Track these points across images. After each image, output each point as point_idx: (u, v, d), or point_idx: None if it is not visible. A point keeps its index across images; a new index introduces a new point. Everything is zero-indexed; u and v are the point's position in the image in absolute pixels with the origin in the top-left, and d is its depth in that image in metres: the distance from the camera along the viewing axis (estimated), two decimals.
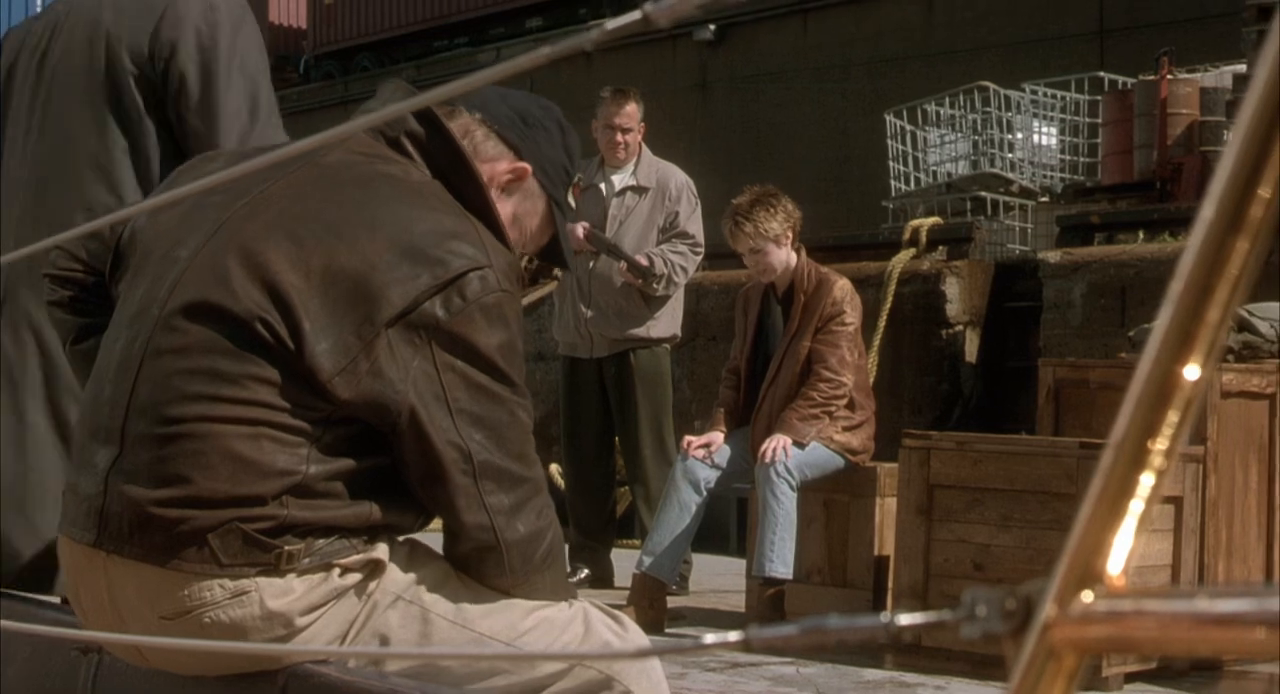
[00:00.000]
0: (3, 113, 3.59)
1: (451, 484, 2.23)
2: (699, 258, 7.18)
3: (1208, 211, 0.79)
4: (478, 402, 2.23)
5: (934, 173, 12.92)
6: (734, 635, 0.97)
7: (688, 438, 6.34)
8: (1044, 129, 12.65)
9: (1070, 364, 6.41)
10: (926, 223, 9.94)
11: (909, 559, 5.49)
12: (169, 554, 2.19)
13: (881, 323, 8.73)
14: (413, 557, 2.33)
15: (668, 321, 7.12)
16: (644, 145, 7.20)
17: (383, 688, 2.12)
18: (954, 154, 12.85)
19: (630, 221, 7.05)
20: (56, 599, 3.11)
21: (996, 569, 5.26)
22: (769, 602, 5.94)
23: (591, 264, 7.02)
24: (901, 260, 9.17)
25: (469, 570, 2.32)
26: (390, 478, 2.26)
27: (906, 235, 9.70)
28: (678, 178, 7.16)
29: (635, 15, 1.03)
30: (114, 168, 3.32)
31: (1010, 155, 12.49)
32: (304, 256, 2.22)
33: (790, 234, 6.26)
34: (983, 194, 12.06)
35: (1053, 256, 8.84)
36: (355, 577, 2.25)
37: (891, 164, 13.02)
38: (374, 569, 2.27)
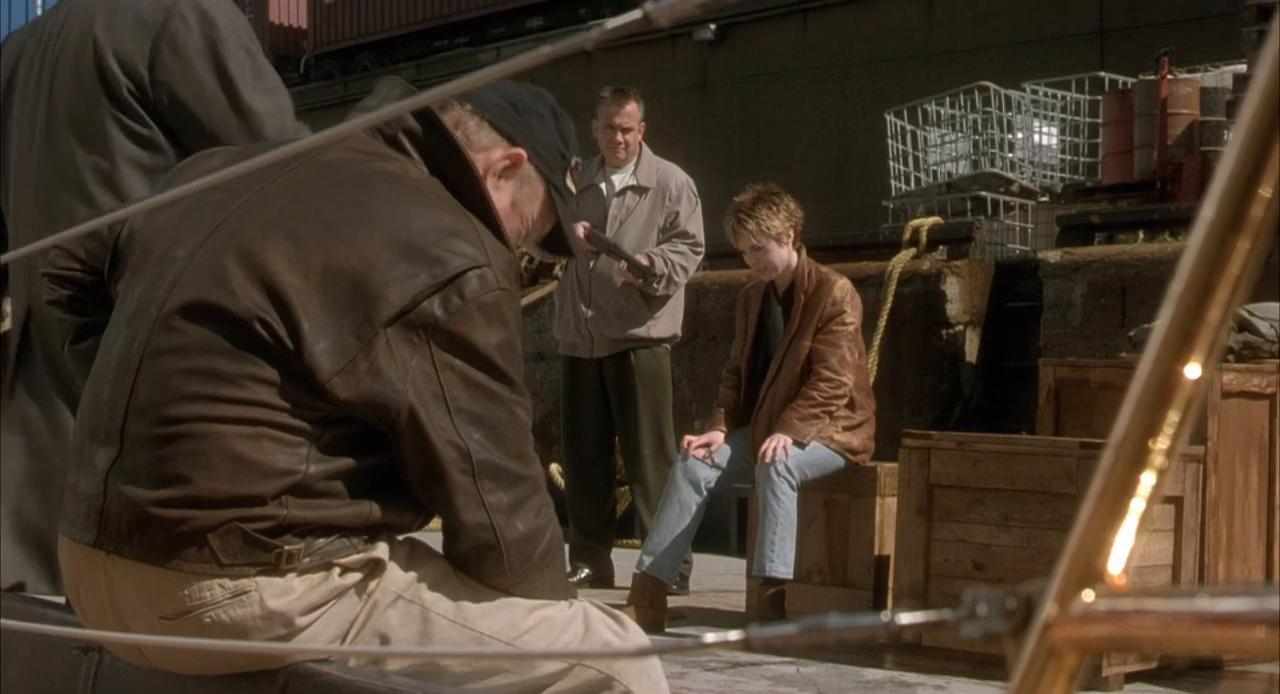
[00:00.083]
0: (4, 119, 3.61)
1: (450, 483, 2.23)
2: (699, 258, 7.18)
3: (1208, 211, 0.79)
4: (476, 400, 2.23)
5: (934, 172, 12.92)
6: (734, 635, 0.97)
7: (688, 438, 6.34)
8: (1044, 129, 12.65)
9: (1070, 364, 6.41)
10: (927, 222, 9.93)
11: (909, 559, 5.49)
12: (169, 554, 2.19)
13: (882, 323, 8.73)
14: (413, 556, 2.33)
15: (668, 321, 7.12)
16: (644, 145, 7.19)
17: (383, 687, 2.12)
18: (954, 154, 12.85)
19: (630, 221, 7.05)
20: (62, 599, 3.12)
21: (997, 569, 5.26)
22: (769, 601, 5.94)
23: (592, 264, 7.01)
24: (902, 260, 9.17)
25: (468, 569, 2.32)
26: (390, 477, 2.26)
27: (907, 235, 9.70)
28: (678, 177, 7.16)
29: (635, 15, 1.03)
30: (122, 182, 3.34)
31: (1010, 155, 12.49)
32: (303, 256, 2.22)
33: (792, 233, 6.26)
34: (983, 194, 12.05)
35: (1053, 256, 8.84)
36: (355, 576, 2.25)
37: (892, 164, 13.01)
38: (374, 568, 2.27)
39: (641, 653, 2.42)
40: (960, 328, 8.85)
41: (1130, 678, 5.21)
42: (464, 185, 2.40)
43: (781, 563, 5.92)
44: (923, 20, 16.44)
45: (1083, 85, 12.49)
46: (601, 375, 7.11)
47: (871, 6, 16.81)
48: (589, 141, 7.10)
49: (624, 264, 6.90)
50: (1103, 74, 12.59)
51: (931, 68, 15.52)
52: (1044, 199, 12.10)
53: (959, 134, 12.78)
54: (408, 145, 2.41)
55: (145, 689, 2.36)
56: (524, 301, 9.31)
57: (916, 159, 12.90)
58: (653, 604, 6.08)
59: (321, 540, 2.21)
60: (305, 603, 2.22)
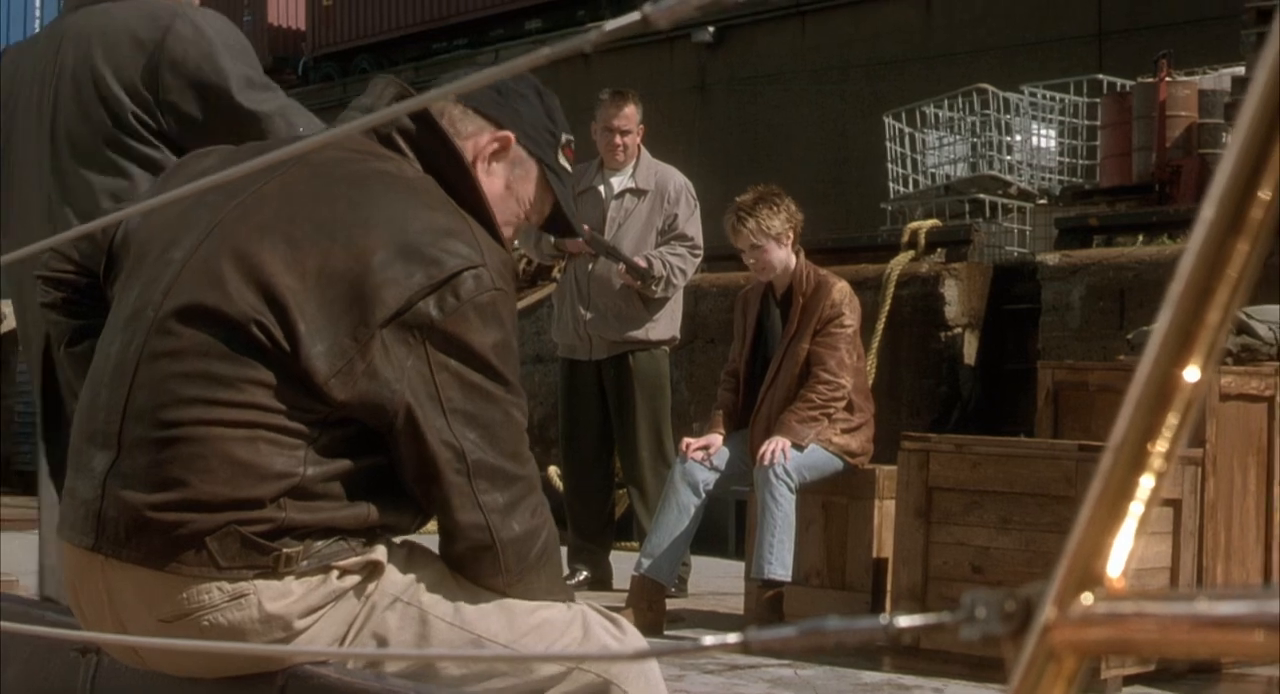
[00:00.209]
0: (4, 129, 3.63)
1: (446, 483, 2.23)
2: (698, 260, 7.18)
3: (1208, 213, 0.79)
4: (471, 401, 2.23)
5: (932, 175, 12.93)
6: (733, 637, 0.96)
7: (686, 440, 6.34)
8: (1042, 131, 12.65)
9: (1069, 366, 6.41)
10: (925, 225, 9.94)
11: (907, 561, 5.49)
12: (167, 557, 2.18)
13: (880, 325, 8.73)
14: (411, 558, 2.32)
15: (666, 324, 7.12)
16: (643, 147, 7.19)
17: (381, 689, 2.12)
18: (952, 156, 12.86)
19: (629, 224, 7.05)
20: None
21: (995, 572, 5.25)
22: (767, 604, 5.94)
23: (590, 266, 7.01)
24: (900, 262, 9.17)
25: (464, 570, 2.32)
26: (387, 478, 2.26)
27: (905, 237, 9.70)
28: (676, 180, 7.16)
29: (634, 17, 1.03)
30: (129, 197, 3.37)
31: (1009, 158, 12.49)
32: (299, 258, 2.22)
33: (791, 234, 6.26)
34: (981, 196, 12.06)
35: (1051, 259, 8.84)
36: (353, 578, 2.25)
37: (890, 166, 13.02)
38: (372, 571, 2.26)
39: (640, 655, 2.41)
40: (959, 330, 8.86)
41: (1129, 680, 5.20)
42: (459, 184, 2.39)
43: (780, 565, 5.92)
44: (921, 22, 16.45)
45: (1081, 88, 12.50)
46: (600, 378, 7.11)
47: (870, 9, 16.83)
48: (587, 144, 7.10)
49: (622, 266, 6.90)
50: (1101, 76, 12.60)
51: (930, 70, 15.53)
52: (1042, 201, 12.11)
53: (957, 136, 12.80)
54: (402, 144, 2.41)
55: (143, 691, 2.36)
56: (522, 304, 9.32)
57: (915, 161, 12.91)
58: (651, 607, 6.08)
59: (320, 543, 2.21)
60: (303, 606, 2.22)
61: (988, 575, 5.25)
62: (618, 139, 7.08)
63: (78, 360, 2.51)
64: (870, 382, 7.12)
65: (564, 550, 2.67)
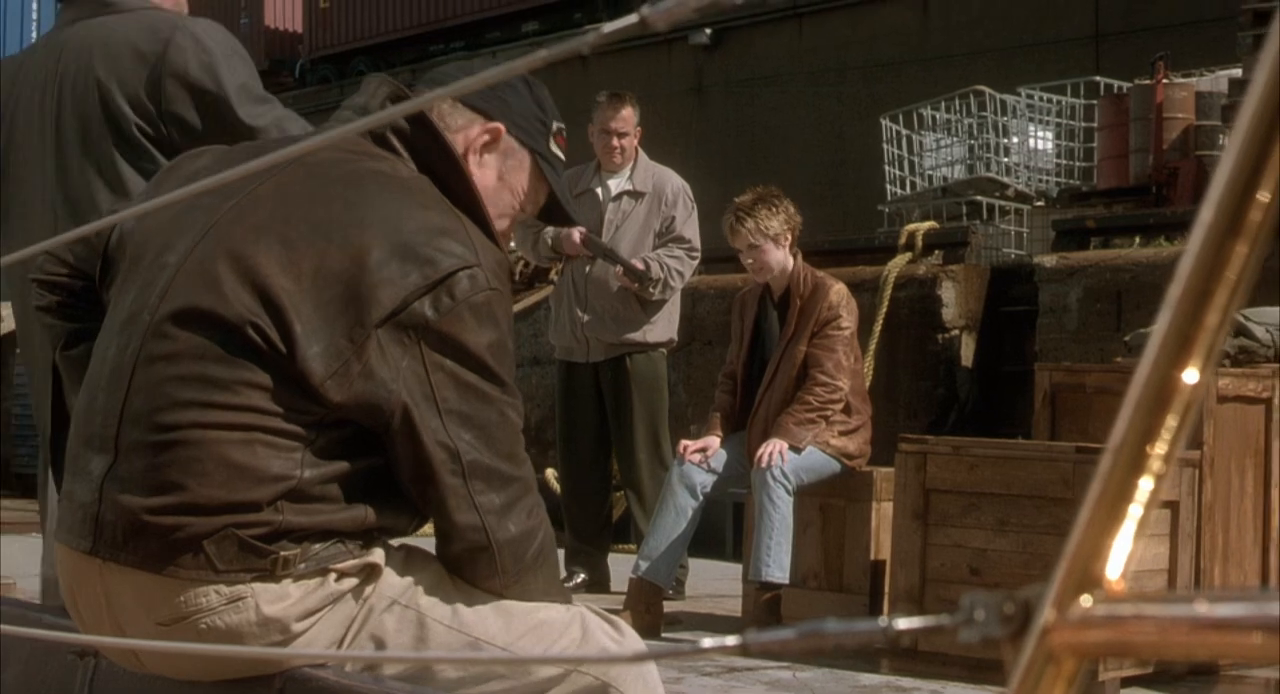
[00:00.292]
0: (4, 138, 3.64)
1: (441, 484, 2.23)
2: (695, 262, 7.18)
3: (1206, 215, 0.79)
4: (467, 401, 2.23)
5: (930, 177, 12.93)
6: (731, 640, 0.96)
7: (684, 442, 6.34)
8: (1039, 133, 12.66)
9: (1066, 368, 6.41)
10: (922, 227, 9.93)
11: (905, 564, 5.48)
12: (165, 561, 2.18)
13: (877, 327, 8.73)
14: (408, 561, 2.32)
15: (664, 326, 7.11)
16: (640, 150, 7.19)
17: (379, 691, 2.12)
18: (949, 158, 12.86)
19: (626, 226, 7.05)
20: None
21: (993, 574, 5.25)
22: (765, 606, 5.94)
23: (588, 268, 7.01)
24: (897, 265, 9.17)
25: (461, 571, 2.31)
26: (384, 480, 2.26)
27: (902, 239, 9.70)
28: (674, 182, 7.16)
29: (632, 19, 1.03)
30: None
31: (1006, 160, 12.50)
32: (294, 259, 2.21)
33: (789, 236, 6.26)
34: (978, 198, 12.07)
35: (1048, 261, 8.84)
36: (351, 581, 2.25)
37: (887, 168, 13.02)
38: (370, 573, 2.26)
39: (638, 658, 2.41)
40: (956, 332, 8.86)
41: (1127, 683, 5.20)
42: (453, 182, 2.39)
43: (778, 568, 5.92)
44: (918, 25, 16.46)
45: (1078, 90, 12.50)
46: (597, 380, 7.11)
47: (867, 11, 16.83)
48: (585, 146, 7.11)
49: (620, 269, 6.90)
50: (1098, 78, 12.60)
51: (927, 72, 15.54)
52: (1039, 203, 12.11)
53: (954, 138, 12.80)
54: (397, 144, 2.41)
55: None
56: (520, 306, 9.32)
57: (912, 163, 12.91)
58: (649, 609, 6.08)
59: (317, 546, 2.21)
60: (301, 608, 2.21)
61: (985, 577, 5.25)
62: (615, 141, 7.08)
63: (73, 364, 2.51)
64: (868, 384, 7.12)
65: (561, 552, 2.67)
